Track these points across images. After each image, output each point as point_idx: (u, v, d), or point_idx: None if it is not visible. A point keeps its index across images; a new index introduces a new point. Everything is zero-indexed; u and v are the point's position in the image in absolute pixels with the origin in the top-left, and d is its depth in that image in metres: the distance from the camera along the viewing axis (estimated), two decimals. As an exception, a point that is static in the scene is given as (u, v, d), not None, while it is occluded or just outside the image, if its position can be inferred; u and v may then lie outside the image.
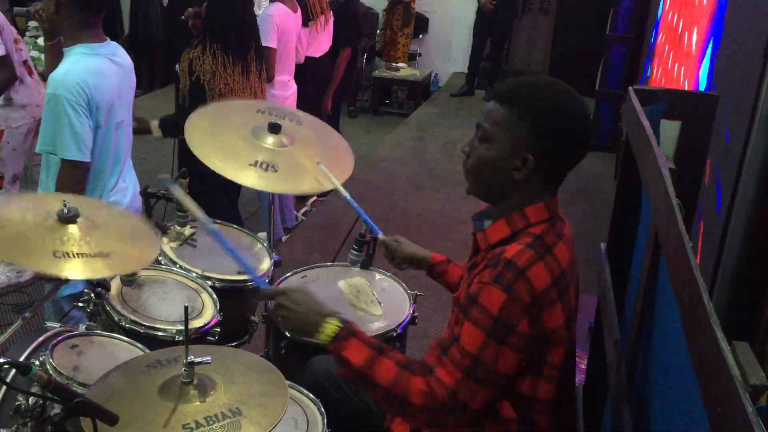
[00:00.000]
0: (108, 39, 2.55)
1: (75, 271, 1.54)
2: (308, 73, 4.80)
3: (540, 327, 1.48)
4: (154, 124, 3.30)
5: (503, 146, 1.55)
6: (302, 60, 4.72)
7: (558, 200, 1.61)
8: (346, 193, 2.21)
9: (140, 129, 3.20)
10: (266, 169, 2.13)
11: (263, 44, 3.66)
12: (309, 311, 1.62)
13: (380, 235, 2.21)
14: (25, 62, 4.01)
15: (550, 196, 1.59)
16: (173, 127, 3.28)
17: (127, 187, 2.68)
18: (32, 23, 5.91)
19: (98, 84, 2.40)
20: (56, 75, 2.36)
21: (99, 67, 2.44)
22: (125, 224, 1.81)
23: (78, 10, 2.40)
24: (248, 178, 2.11)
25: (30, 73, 4.04)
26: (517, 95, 1.55)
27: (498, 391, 1.52)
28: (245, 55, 3.32)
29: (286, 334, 2.15)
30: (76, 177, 2.39)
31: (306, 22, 4.63)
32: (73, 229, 1.59)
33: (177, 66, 3.37)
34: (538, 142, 1.52)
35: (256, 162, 2.14)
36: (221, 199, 3.52)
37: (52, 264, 1.51)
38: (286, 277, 2.41)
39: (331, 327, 1.58)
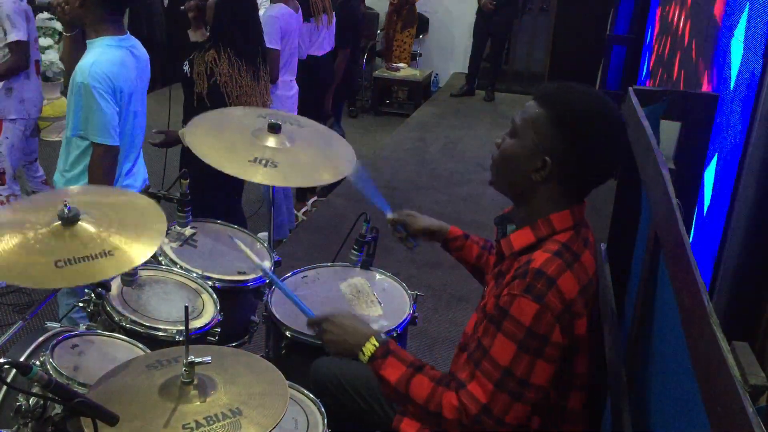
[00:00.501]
0: (128, 33, 2.71)
1: (81, 277, 1.53)
2: (312, 72, 4.81)
3: (571, 336, 1.47)
4: (183, 131, 3.31)
5: (527, 144, 1.54)
6: (304, 56, 4.72)
7: (584, 207, 1.60)
8: (358, 170, 2.22)
9: (169, 141, 3.25)
10: (266, 165, 2.16)
11: (267, 45, 3.67)
12: (351, 334, 1.65)
13: (390, 215, 2.15)
14: (36, 62, 4.05)
15: (575, 203, 1.57)
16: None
17: (138, 172, 2.86)
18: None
19: (121, 73, 2.58)
20: (84, 65, 2.53)
21: (121, 59, 2.61)
22: (127, 208, 1.79)
23: (102, 7, 2.56)
24: (249, 174, 2.15)
25: (37, 73, 4.06)
26: (555, 98, 1.53)
27: (532, 404, 1.49)
28: (255, 60, 3.34)
29: (287, 335, 2.15)
30: (107, 160, 2.59)
31: (307, 17, 4.64)
32: (76, 229, 1.59)
33: (185, 67, 3.37)
34: (561, 148, 1.51)
35: (256, 159, 2.17)
36: (222, 199, 3.52)
37: (55, 275, 1.50)
38: (287, 278, 2.41)
39: (369, 347, 1.60)
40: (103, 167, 2.58)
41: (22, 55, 3.87)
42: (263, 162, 2.17)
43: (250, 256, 1.91)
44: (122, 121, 2.65)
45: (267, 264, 2.42)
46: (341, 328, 1.66)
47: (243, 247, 1.93)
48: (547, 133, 1.51)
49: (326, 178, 2.31)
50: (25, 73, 3.95)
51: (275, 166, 2.16)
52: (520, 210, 1.62)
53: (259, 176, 2.16)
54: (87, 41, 2.64)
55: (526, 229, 1.56)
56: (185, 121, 3.29)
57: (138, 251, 1.60)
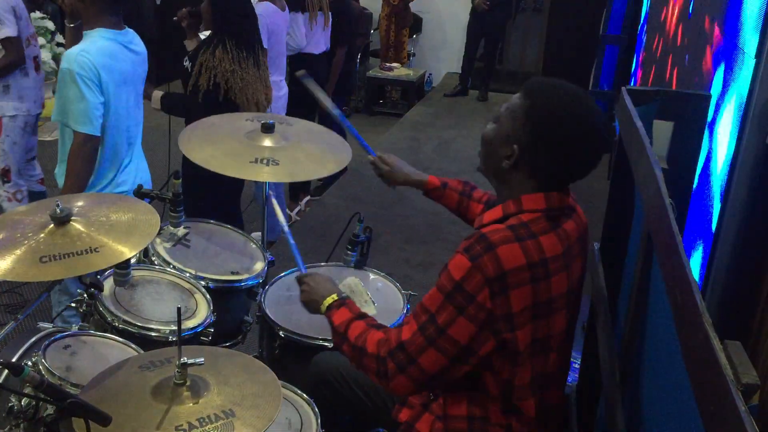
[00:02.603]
0: (127, 28, 2.73)
1: (63, 270, 1.54)
2: (307, 70, 4.81)
3: (506, 306, 1.49)
4: (157, 94, 3.33)
5: (503, 131, 1.60)
6: (302, 46, 4.73)
7: (563, 196, 1.62)
8: (334, 110, 2.36)
9: (149, 96, 3.27)
10: (268, 164, 2.22)
11: None
12: (320, 290, 1.81)
13: (373, 156, 2.27)
14: (35, 57, 4.04)
15: (552, 189, 1.60)
16: (176, 106, 3.35)
17: (138, 168, 2.84)
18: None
19: (108, 65, 2.57)
20: (71, 52, 2.54)
21: (112, 51, 2.61)
22: (120, 209, 1.80)
23: (100, 1, 2.58)
24: (253, 174, 2.22)
25: (36, 69, 4.05)
26: (537, 91, 1.58)
27: (451, 361, 1.53)
28: (254, 47, 3.35)
29: (280, 334, 2.15)
30: (86, 149, 2.56)
31: (302, 9, 4.63)
32: (68, 228, 1.59)
33: (186, 62, 3.37)
34: (527, 139, 1.55)
35: (257, 159, 2.23)
36: (217, 200, 3.52)
37: (39, 270, 1.51)
38: (280, 277, 2.40)
39: (329, 300, 1.77)
40: (83, 156, 2.55)
41: (15, 52, 3.84)
42: (264, 161, 2.22)
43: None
44: (112, 115, 2.63)
45: (259, 264, 2.42)
46: (315, 285, 1.83)
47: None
48: (519, 123, 1.57)
49: (330, 168, 2.35)
50: (23, 69, 3.94)
51: (277, 164, 2.22)
52: (498, 194, 1.68)
53: (264, 175, 2.22)
54: (84, 32, 2.65)
55: (498, 207, 1.63)
56: (188, 118, 3.31)
57: (124, 249, 1.62)
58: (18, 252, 1.55)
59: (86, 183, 2.61)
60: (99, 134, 2.57)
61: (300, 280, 1.90)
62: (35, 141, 4.26)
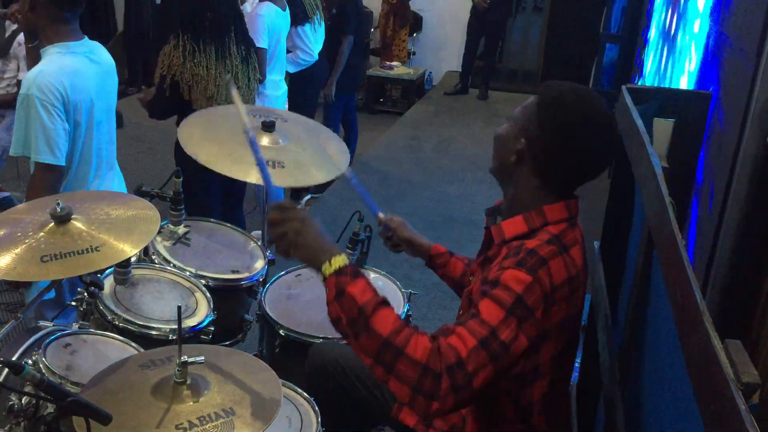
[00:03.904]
0: (86, 38, 2.49)
1: (63, 270, 1.54)
2: (302, 69, 4.83)
3: (549, 321, 1.47)
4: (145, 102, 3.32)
5: (514, 128, 1.60)
6: (315, 58, 4.83)
7: (576, 202, 1.61)
8: (348, 172, 2.21)
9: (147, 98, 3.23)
10: (274, 167, 2.12)
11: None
12: (322, 241, 1.50)
13: (380, 214, 2.16)
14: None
15: (566, 197, 1.59)
16: (153, 109, 3.30)
17: (110, 187, 2.62)
18: None
19: (74, 83, 2.34)
20: (30, 75, 2.31)
21: (75, 66, 2.38)
22: (120, 208, 1.79)
23: (53, 6, 2.35)
24: (254, 176, 2.11)
25: None
26: (550, 90, 1.57)
27: (495, 379, 1.42)
28: (221, 37, 3.24)
29: (280, 333, 2.14)
30: (48, 180, 2.32)
31: (304, 20, 4.65)
32: (68, 227, 1.59)
33: None
34: (536, 133, 1.54)
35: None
36: (216, 199, 3.52)
37: (40, 270, 1.51)
38: (280, 276, 2.40)
39: (339, 260, 1.45)
40: (43, 188, 2.28)
41: None
42: (270, 163, 2.12)
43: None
44: (82, 136, 2.43)
45: (259, 262, 2.41)
46: (313, 231, 1.50)
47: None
48: (531, 117, 1.57)
49: (332, 171, 2.28)
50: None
51: (283, 167, 2.13)
52: (506, 197, 1.66)
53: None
54: (41, 51, 2.43)
55: (519, 218, 1.58)
56: (151, 112, 3.32)
57: (125, 248, 1.61)
58: (18, 251, 1.55)
59: None
60: (63, 163, 2.33)
61: (278, 207, 1.53)
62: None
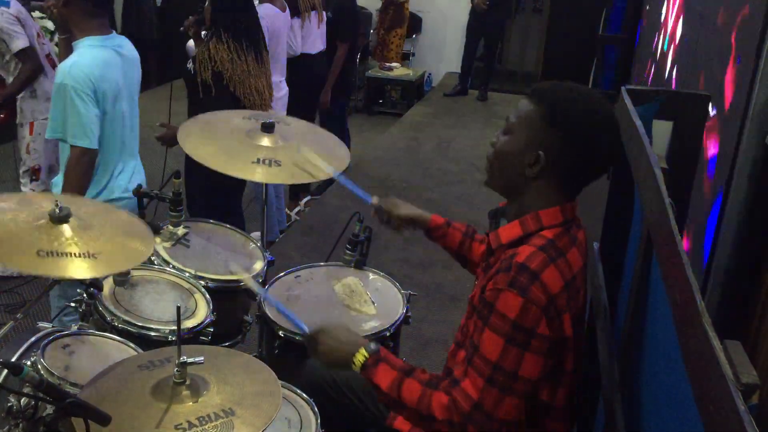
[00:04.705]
0: (114, 32, 2.69)
1: (60, 270, 1.53)
2: (303, 70, 4.80)
3: (559, 331, 1.47)
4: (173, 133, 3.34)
5: (521, 140, 1.56)
6: (298, 53, 4.72)
7: (575, 205, 1.61)
8: (331, 169, 2.23)
9: (169, 136, 3.25)
10: (270, 165, 2.21)
11: None
12: (343, 345, 1.64)
13: (374, 200, 2.17)
14: (48, 55, 4.08)
15: (566, 200, 1.58)
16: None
17: (132, 175, 2.78)
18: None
19: (104, 74, 2.54)
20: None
21: (105, 59, 2.58)
22: (118, 224, 1.79)
23: (85, 1, 2.56)
24: (255, 174, 2.20)
25: (53, 66, 4.08)
26: (548, 94, 1.55)
27: (526, 398, 1.50)
28: (257, 41, 3.37)
29: (280, 334, 2.15)
30: (83, 163, 2.54)
31: (295, 14, 4.64)
32: (63, 228, 1.58)
33: (189, 65, 3.39)
34: (556, 142, 1.52)
35: (258, 159, 2.22)
36: (220, 200, 3.52)
37: (35, 263, 1.50)
38: (279, 277, 2.40)
39: (360, 357, 1.60)
40: (79, 170, 2.54)
41: (32, 61, 3.90)
42: (266, 162, 2.21)
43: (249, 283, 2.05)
44: (111, 125, 2.61)
45: (258, 264, 2.41)
46: (334, 340, 1.66)
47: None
48: (541, 129, 1.53)
49: (326, 173, 2.32)
50: (43, 71, 3.98)
51: (279, 165, 2.21)
52: (512, 206, 1.64)
53: (265, 176, 2.20)
54: (73, 43, 2.63)
55: (515, 223, 1.58)
56: (191, 116, 3.31)
57: (119, 261, 1.63)
58: (16, 242, 1.52)
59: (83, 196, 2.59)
60: (96, 147, 2.56)
61: (311, 337, 1.70)
62: None
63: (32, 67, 3.89)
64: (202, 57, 3.25)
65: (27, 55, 3.86)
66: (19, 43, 3.82)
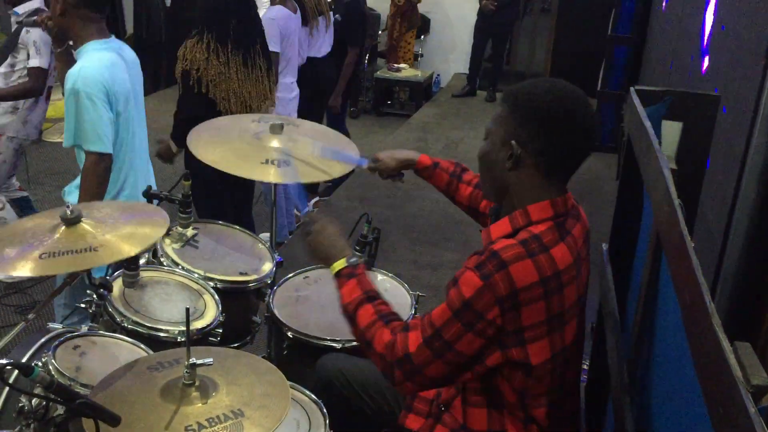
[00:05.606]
0: (113, 36, 2.64)
1: (58, 266, 1.57)
2: (310, 73, 4.81)
3: (517, 323, 1.50)
4: (170, 142, 3.37)
5: (496, 140, 1.62)
6: (304, 60, 4.73)
7: (566, 198, 1.61)
8: (317, 145, 2.28)
9: (165, 150, 3.30)
10: (279, 165, 2.22)
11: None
12: (331, 245, 1.80)
13: (365, 164, 2.28)
14: (49, 88, 4.09)
15: (555, 193, 1.59)
16: (180, 135, 3.29)
17: (141, 177, 2.76)
18: None
19: (114, 76, 2.51)
20: (73, 71, 2.46)
21: (111, 60, 2.54)
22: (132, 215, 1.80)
23: (83, 7, 2.50)
24: (265, 175, 2.21)
25: (47, 99, 4.11)
26: (512, 91, 1.62)
27: (457, 369, 1.55)
28: (247, 47, 3.32)
29: (288, 335, 2.15)
30: (100, 168, 2.50)
31: (304, 23, 4.64)
32: (74, 231, 1.60)
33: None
34: (524, 132, 1.56)
35: (267, 160, 2.23)
36: (226, 201, 3.53)
37: (34, 266, 1.52)
38: (288, 278, 2.41)
39: (338, 265, 1.75)
40: (96, 176, 2.49)
41: (38, 82, 3.90)
42: (276, 162, 2.22)
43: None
44: (122, 126, 2.58)
45: (267, 265, 2.42)
46: (325, 237, 1.82)
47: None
48: (510, 124, 1.59)
49: (339, 169, 2.35)
50: (36, 98, 3.99)
51: (288, 165, 2.23)
52: (505, 205, 1.67)
53: (275, 176, 2.21)
54: (75, 52, 2.57)
55: (504, 220, 1.62)
56: (179, 111, 3.34)
57: (124, 248, 1.62)
58: (22, 250, 1.55)
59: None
60: (111, 151, 2.51)
61: (309, 225, 1.88)
62: (21, 161, 4.31)
63: (33, 87, 3.89)
64: (179, 54, 3.25)
65: (37, 75, 3.86)
66: (41, 61, 3.84)
